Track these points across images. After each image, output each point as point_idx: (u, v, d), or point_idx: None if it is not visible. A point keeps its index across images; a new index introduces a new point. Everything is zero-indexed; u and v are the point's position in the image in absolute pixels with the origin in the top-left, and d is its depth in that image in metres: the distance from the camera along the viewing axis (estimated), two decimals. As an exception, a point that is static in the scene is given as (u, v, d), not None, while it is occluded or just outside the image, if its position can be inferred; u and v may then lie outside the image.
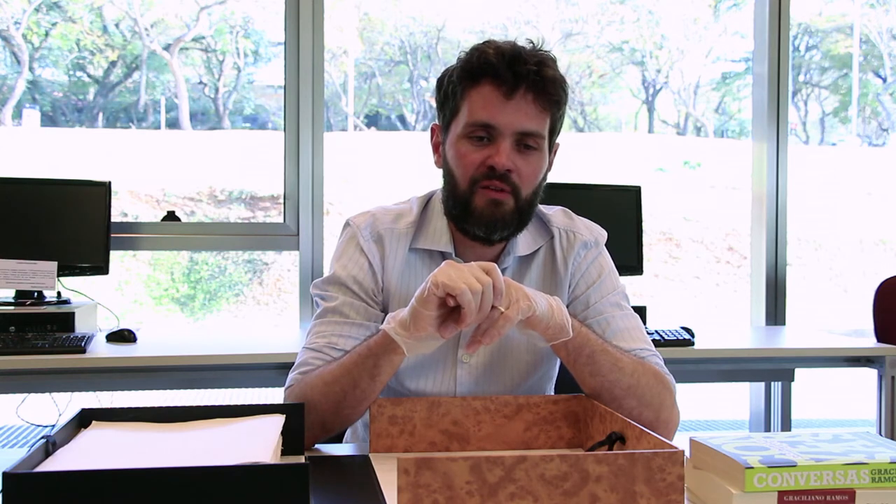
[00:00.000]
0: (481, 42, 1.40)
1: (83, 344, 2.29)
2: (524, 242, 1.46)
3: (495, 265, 1.21)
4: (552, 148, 1.44)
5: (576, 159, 10.21)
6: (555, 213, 1.52)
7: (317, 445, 1.33)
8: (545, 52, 1.38)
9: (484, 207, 1.37)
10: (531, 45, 1.38)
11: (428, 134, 1.51)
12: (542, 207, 1.51)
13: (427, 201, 1.50)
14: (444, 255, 1.45)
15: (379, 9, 12.28)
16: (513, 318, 1.19)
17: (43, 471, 0.95)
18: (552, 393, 1.57)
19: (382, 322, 1.46)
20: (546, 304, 1.25)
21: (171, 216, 3.06)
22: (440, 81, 1.44)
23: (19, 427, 5.13)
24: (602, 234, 1.54)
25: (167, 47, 11.47)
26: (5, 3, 10.48)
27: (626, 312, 1.47)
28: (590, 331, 1.34)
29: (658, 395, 1.35)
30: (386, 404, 1.29)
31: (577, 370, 1.33)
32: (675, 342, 2.57)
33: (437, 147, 1.47)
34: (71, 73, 11.62)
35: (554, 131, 1.42)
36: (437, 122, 1.48)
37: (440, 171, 1.46)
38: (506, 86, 1.34)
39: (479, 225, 1.38)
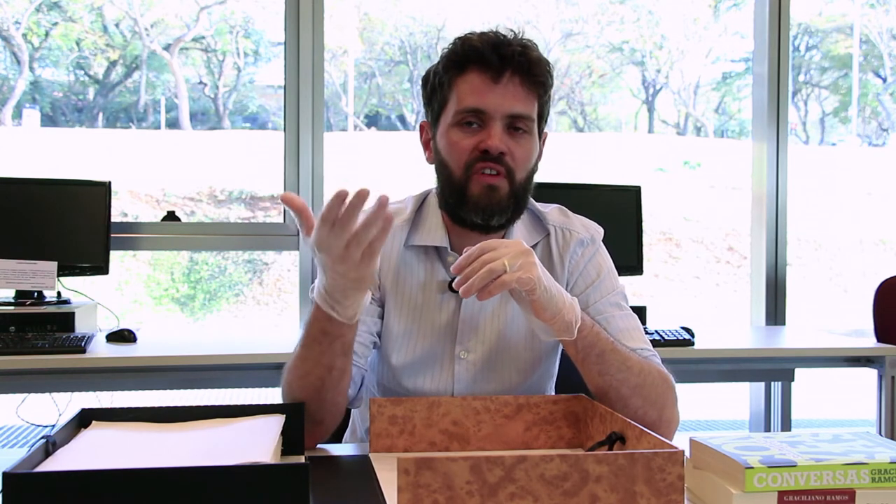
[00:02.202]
0: (462, 35, 1.41)
1: (83, 344, 2.29)
2: (520, 237, 1.46)
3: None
4: (541, 133, 1.44)
5: (576, 159, 10.21)
6: (550, 211, 1.52)
7: (317, 445, 1.33)
8: (527, 39, 1.39)
9: (480, 193, 1.36)
10: (512, 33, 1.39)
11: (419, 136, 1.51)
12: (537, 205, 1.51)
13: (423, 199, 1.50)
14: (438, 251, 1.46)
15: (379, 9, 12.28)
16: (507, 282, 1.19)
17: (43, 471, 0.95)
18: (552, 392, 1.57)
19: (381, 316, 1.46)
20: (557, 294, 1.25)
21: (171, 216, 3.06)
22: (425, 78, 1.45)
23: (19, 427, 5.14)
24: (598, 231, 1.53)
25: (167, 47, 11.48)
26: (5, 3, 10.48)
27: (625, 312, 1.47)
28: (601, 329, 1.34)
29: (662, 395, 1.36)
30: (386, 404, 1.29)
31: (586, 368, 1.33)
32: (675, 342, 2.57)
33: (427, 143, 1.47)
34: (71, 72, 11.62)
35: (542, 116, 1.42)
36: (425, 119, 1.48)
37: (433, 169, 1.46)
38: (492, 70, 1.35)
39: (476, 211, 1.38)
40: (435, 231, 1.45)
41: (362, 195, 1.06)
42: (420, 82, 1.49)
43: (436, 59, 1.45)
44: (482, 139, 1.36)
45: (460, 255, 1.25)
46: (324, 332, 1.22)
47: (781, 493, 0.99)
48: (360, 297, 1.17)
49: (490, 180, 1.36)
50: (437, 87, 1.41)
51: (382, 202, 1.07)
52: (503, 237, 1.45)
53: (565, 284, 1.48)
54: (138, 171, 10.31)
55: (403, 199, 1.52)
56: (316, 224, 1.09)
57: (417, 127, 1.50)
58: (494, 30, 1.39)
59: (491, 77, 1.35)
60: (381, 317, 1.46)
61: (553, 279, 1.27)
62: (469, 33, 1.39)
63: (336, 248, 1.09)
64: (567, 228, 1.50)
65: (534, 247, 1.48)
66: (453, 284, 1.22)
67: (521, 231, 1.47)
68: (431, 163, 1.46)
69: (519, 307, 1.29)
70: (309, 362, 1.26)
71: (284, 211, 3.10)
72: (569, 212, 1.54)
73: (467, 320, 1.44)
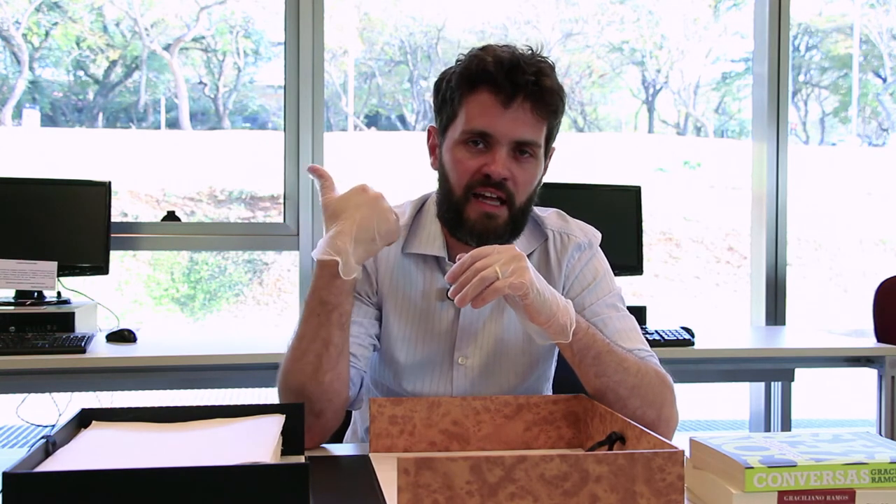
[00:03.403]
0: (480, 48, 1.39)
1: (83, 344, 2.29)
2: (519, 244, 1.46)
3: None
4: (548, 153, 1.44)
5: (576, 159, 10.21)
6: (549, 216, 1.52)
7: (317, 445, 1.33)
8: (544, 59, 1.38)
9: (476, 220, 1.37)
10: (530, 51, 1.38)
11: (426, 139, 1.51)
12: (536, 209, 1.51)
13: (421, 205, 1.50)
14: (437, 260, 1.46)
15: (379, 9, 12.27)
16: (500, 289, 1.20)
17: (43, 471, 0.95)
18: (550, 393, 1.57)
19: (378, 319, 1.47)
20: (551, 297, 1.25)
21: (171, 216, 3.06)
22: (438, 85, 1.44)
23: (19, 427, 5.14)
24: (596, 236, 1.54)
25: (167, 47, 11.47)
26: (5, 3, 10.48)
27: (622, 314, 1.47)
28: (597, 331, 1.34)
29: (660, 394, 1.36)
30: (386, 404, 1.29)
31: (583, 370, 1.33)
32: (675, 342, 2.57)
33: (433, 149, 1.47)
34: (71, 73, 11.62)
35: (550, 138, 1.42)
36: (434, 123, 1.48)
37: (436, 173, 1.46)
38: (503, 94, 1.34)
39: (472, 236, 1.38)
40: (433, 240, 1.45)
41: None
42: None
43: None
44: (486, 163, 1.36)
45: (457, 258, 1.26)
46: (322, 301, 1.25)
47: (781, 493, 0.99)
48: (365, 252, 1.27)
49: (489, 209, 1.36)
50: (447, 99, 1.41)
51: None
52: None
53: (562, 288, 1.48)
54: (138, 171, 10.31)
55: (401, 205, 1.52)
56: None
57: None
58: (512, 48, 1.37)
59: (501, 101, 1.34)
60: (379, 319, 1.46)
61: (547, 283, 1.27)
62: (486, 49, 1.37)
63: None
64: (565, 233, 1.51)
65: (532, 252, 1.49)
66: (448, 293, 1.23)
67: (520, 237, 1.47)
68: (435, 168, 1.46)
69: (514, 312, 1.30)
70: (306, 339, 1.28)
71: (284, 211, 3.10)
72: (567, 216, 1.54)
73: (466, 327, 1.45)
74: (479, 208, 1.37)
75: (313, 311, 1.28)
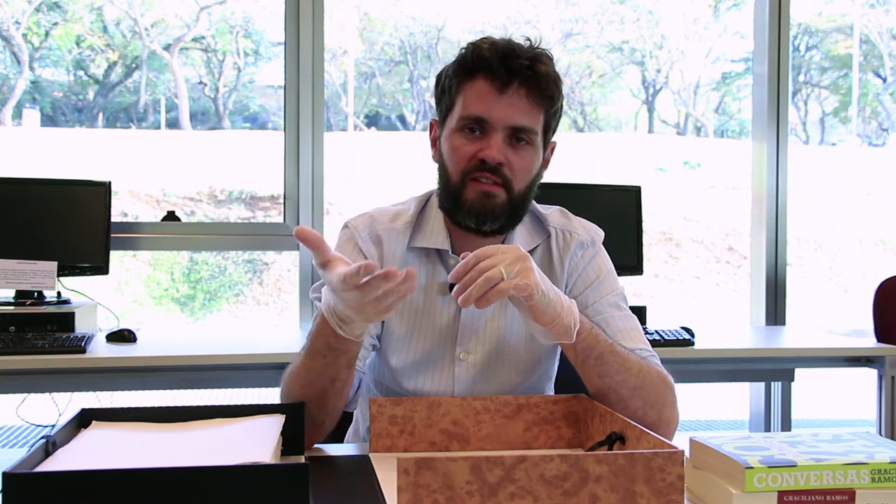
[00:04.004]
0: (479, 38, 1.41)
1: (83, 344, 2.29)
2: (521, 240, 1.46)
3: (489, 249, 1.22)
4: (547, 145, 1.44)
5: (576, 159, 10.21)
6: (552, 213, 1.52)
7: (317, 445, 1.33)
8: (541, 49, 1.39)
9: (475, 199, 1.37)
10: (528, 42, 1.39)
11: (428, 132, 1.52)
12: (539, 207, 1.51)
13: (426, 201, 1.50)
14: (440, 253, 1.46)
15: (379, 9, 12.28)
16: (505, 290, 1.19)
17: (43, 471, 0.95)
18: (551, 392, 1.57)
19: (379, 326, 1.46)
20: (555, 297, 1.25)
21: (171, 216, 3.06)
22: (438, 77, 1.45)
23: (19, 427, 5.14)
24: (599, 234, 1.54)
25: (167, 47, 11.48)
26: (5, 3, 10.48)
27: (624, 313, 1.47)
28: (600, 331, 1.34)
29: (661, 395, 1.36)
30: (386, 404, 1.29)
31: (586, 370, 1.32)
32: (675, 342, 2.57)
33: (434, 142, 1.48)
34: (71, 73, 11.62)
35: (549, 128, 1.42)
36: (435, 117, 1.48)
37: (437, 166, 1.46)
38: (499, 80, 1.35)
39: (470, 216, 1.38)
40: (436, 233, 1.45)
41: (390, 276, 1.06)
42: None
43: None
44: (481, 148, 1.36)
45: (460, 257, 1.25)
46: (329, 346, 1.22)
47: (781, 493, 0.99)
48: (367, 324, 1.18)
49: (487, 188, 1.37)
50: (446, 89, 1.42)
51: (411, 274, 1.08)
52: (504, 240, 1.45)
53: (565, 286, 1.48)
54: (138, 171, 10.31)
55: (406, 201, 1.53)
56: (338, 273, 1.09)
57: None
58: (510, 38, 1.39)
59: (497, 87, 1.35)
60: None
61: (551, 283, 1.27)
62: (483, 39, 1.39)
63: (353, 302, 1.10)
64: (568, 230, 1.51)
65: (535, 249, 1.49)
66: (452, 292, 1.22)
67: (521, 233, 1.47)
68: (436, 160, 1.46)
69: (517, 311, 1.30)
70: (313, 373, 1.26)
71: (284, 211, 3.10)
72: (570, 214, 1.54)
73: (468, 323, 1.45)
74: (476, 188, 1.37)
75: (319, 351, 1.23)
